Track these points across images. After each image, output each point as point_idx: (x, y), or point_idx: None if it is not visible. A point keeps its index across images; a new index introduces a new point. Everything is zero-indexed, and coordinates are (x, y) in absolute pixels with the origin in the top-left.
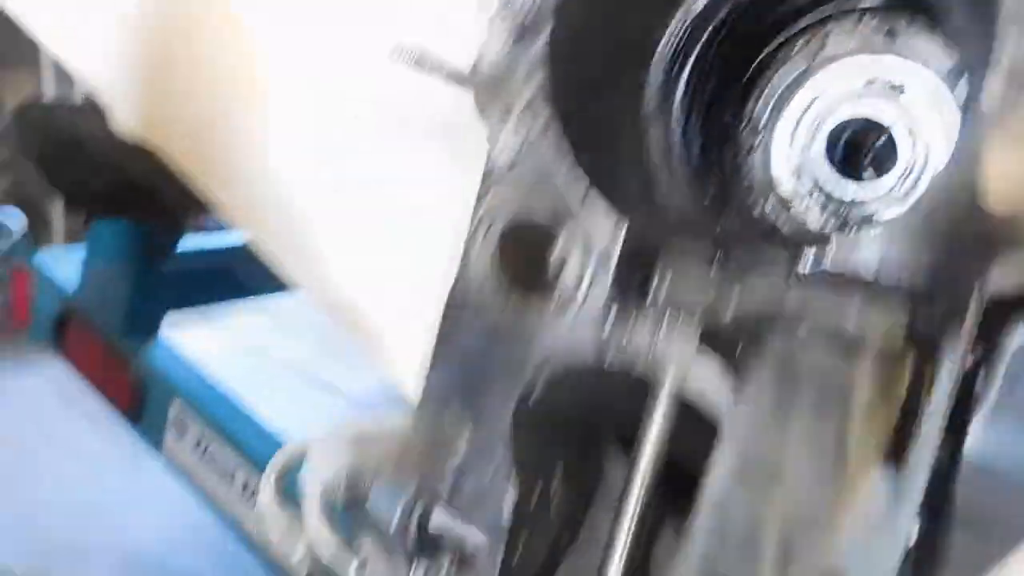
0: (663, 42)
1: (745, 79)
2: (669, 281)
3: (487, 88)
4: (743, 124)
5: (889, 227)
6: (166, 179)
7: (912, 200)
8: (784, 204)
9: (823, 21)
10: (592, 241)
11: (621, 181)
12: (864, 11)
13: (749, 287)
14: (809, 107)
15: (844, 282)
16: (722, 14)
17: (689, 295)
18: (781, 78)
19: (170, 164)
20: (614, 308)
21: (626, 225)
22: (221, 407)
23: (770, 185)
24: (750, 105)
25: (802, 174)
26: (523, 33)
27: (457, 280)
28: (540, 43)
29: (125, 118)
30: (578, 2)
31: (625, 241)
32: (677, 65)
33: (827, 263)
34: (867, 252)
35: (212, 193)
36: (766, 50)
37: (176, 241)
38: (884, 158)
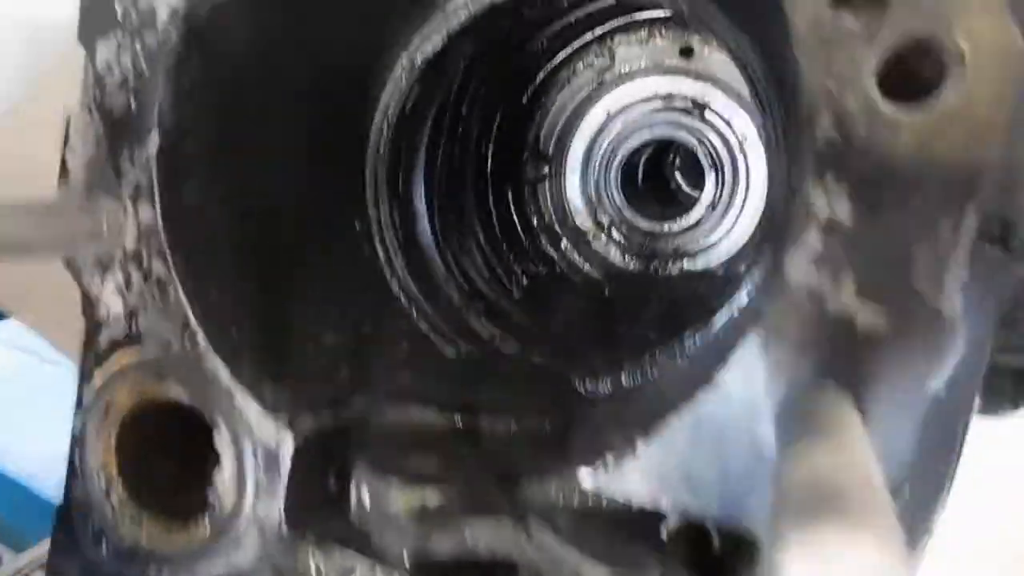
0: (388, 101)
1: (523, 104)
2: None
3: (71, 222)
4: (525, 156)
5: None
6: None
7: (721, 234)
8: (581, 238)
9: (608, 35)
10: (255, 436)
11: (299, 350)
12: (651, 24)
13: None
14: (602, 130)
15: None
16: (484, 34)
17: (396, 535)
18: (567, 100)
19: None
20: (287, 533)
21: (303, 417)
22: None
23: (565, 219)
24: (532, 133)
25: (599, 204)
26: (123, 133)
27: (72, 477)
28: (149, 149)
29: None
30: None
31: (304, 437)
32: (415, 121)
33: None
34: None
35: None
36: (542, 72)
37: None
38: (688, 184)
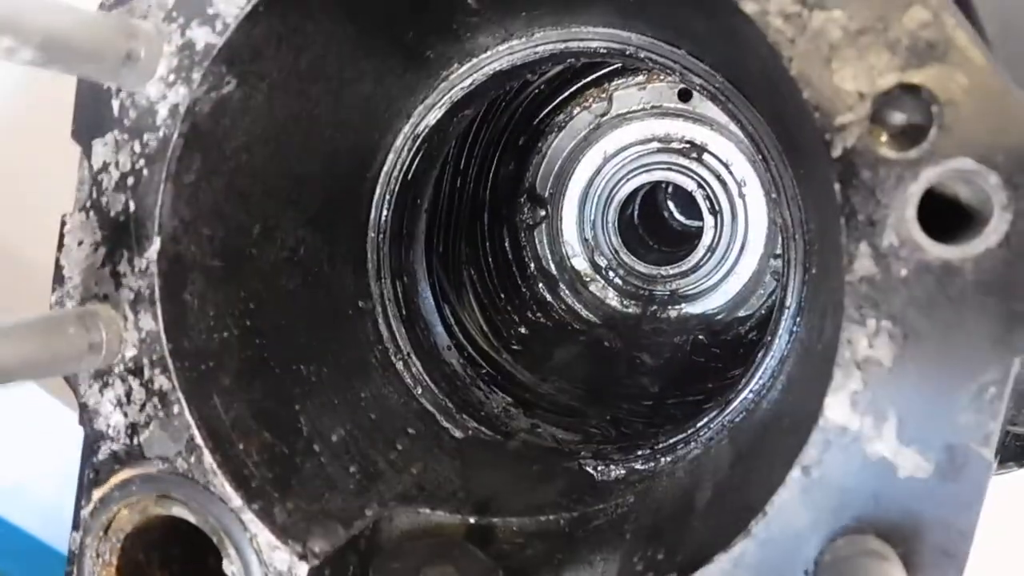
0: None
1: (519, 147)
2: None
3: (69, 340)
4: (521, 200)
5: None
6: None
7: (720, 277)
8: (579, 282)
9: (606, 79)
10: (267, 564)
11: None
12: (649, 69)
13: None
14: (599, 172)
15: None
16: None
17: None
18: (564, 143)
19: None
20: None
21: (315, 538)
22: None
23: (562, 262)
24: (528, 176)
25: (596, 246)
26: (121, 237)
27: None
28: (149, 255)
29: None
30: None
31: (318, 562)
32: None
33: None
34: None
35: None
36: (541, 114)
37: None
38: (686, 228)
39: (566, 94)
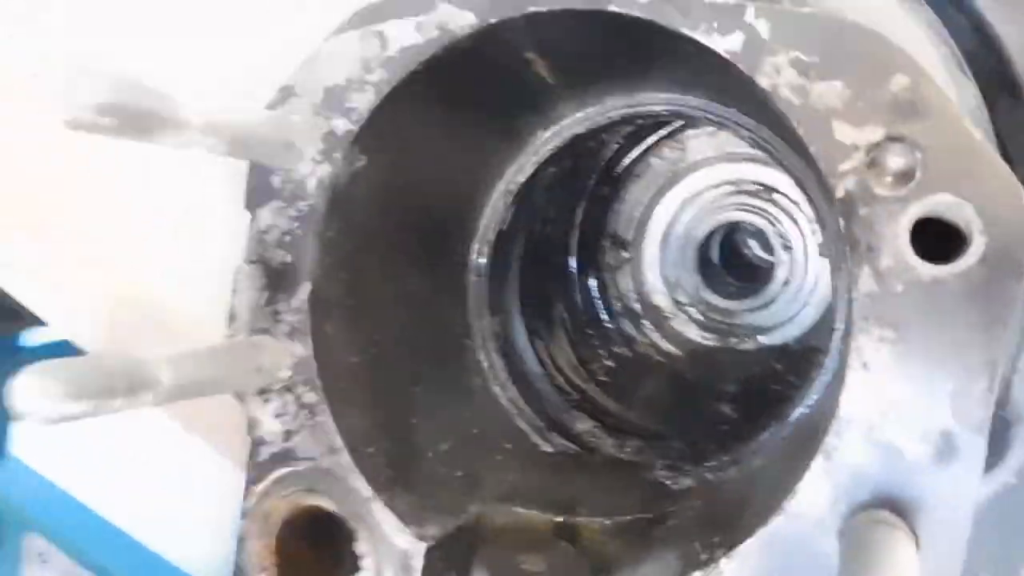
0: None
1: (601, 197)
2: None
3: (241, 362)
4: (605, 244)
5: None
6: None
7: (796, 310)
8: (661, 317)
9: (678, 131)
10: (391, 544)
11: (425, 465)
12: (719, 121)
13: None
14: (677, 215)
15: None
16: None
17: None
18: (643, 190)
19: None
20: None
21: (430, 524)
22: (88, 533)
23: (644, 300)
24: (610, 223)
25: (677, 285)
26: (279, 283)
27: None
28: (300, 296)
29: None
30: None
31: (431, 544)
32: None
33: None
34: None
35: None
36: (620, 166)
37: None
38: (762, 264)
39: (643, 147)
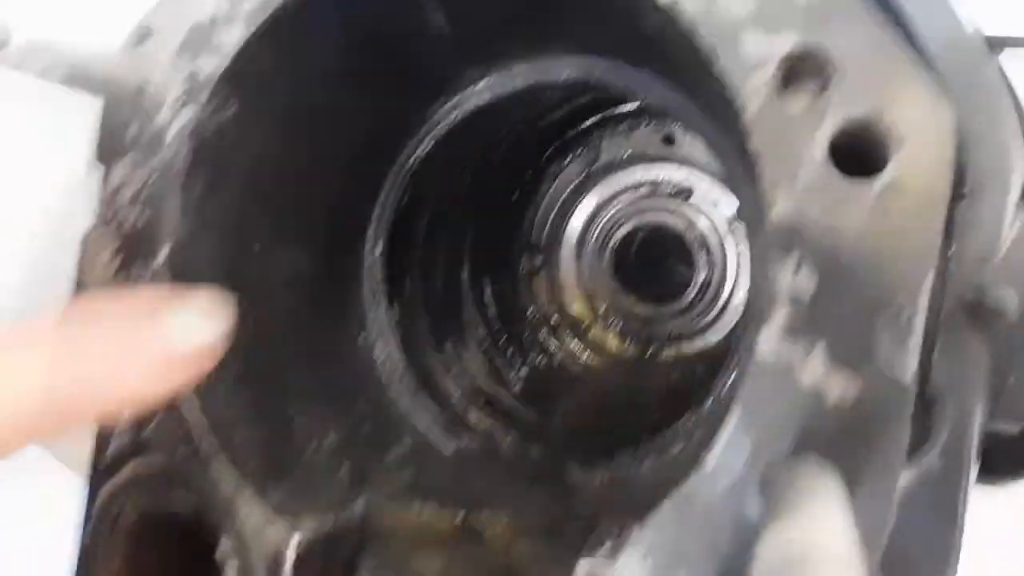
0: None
1: (512, 203)
2: None
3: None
4: (518, 249)
5: None
6: None
7: (715, 315)
8: (579, 327)
9: (591, 129)
10: (259, 544)
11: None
12: (631, 117)
13: None
14: (593, 219)
15: None
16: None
17: None
18: (556, 193)
19: None
20: None
21: (306, 518)
22: None
23: (561, 308)
24: (524, 227)
25: (595, 292)
26: (135, 247)
27: None
28: (159, 260)
29: None
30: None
31: (307, 541)
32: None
33: None
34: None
35: None
36: (530, 170)
37: None
38: (679, 269)
39: (554, 148)
